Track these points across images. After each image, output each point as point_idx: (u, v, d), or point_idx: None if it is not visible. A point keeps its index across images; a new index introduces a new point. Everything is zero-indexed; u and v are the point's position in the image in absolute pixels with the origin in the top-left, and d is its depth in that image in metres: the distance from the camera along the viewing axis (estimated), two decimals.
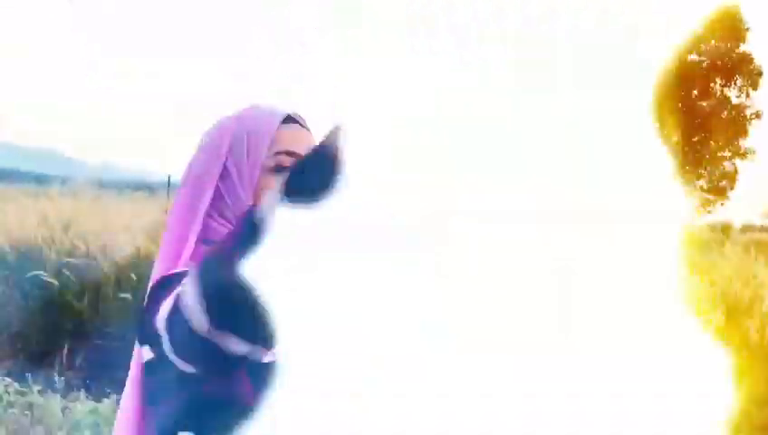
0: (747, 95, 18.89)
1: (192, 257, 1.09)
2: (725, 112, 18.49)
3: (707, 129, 18.93)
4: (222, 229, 1.10)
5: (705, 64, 18.74)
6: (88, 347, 4.58)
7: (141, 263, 4.71)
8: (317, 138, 1.13)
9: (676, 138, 19.89)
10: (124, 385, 1.10)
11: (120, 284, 4.80)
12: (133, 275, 4.70)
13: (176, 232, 1.13)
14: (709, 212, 20.24)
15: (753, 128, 18.58)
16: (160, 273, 1.07)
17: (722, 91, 19.10)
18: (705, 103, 18.79)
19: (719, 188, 19.65)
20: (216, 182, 1.12)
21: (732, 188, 19.41)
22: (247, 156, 1.12)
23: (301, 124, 1.16)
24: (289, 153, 1.11)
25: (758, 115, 18.57)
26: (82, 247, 4.90)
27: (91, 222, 5.35)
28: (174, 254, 1.10)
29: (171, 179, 10.75)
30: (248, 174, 1.12)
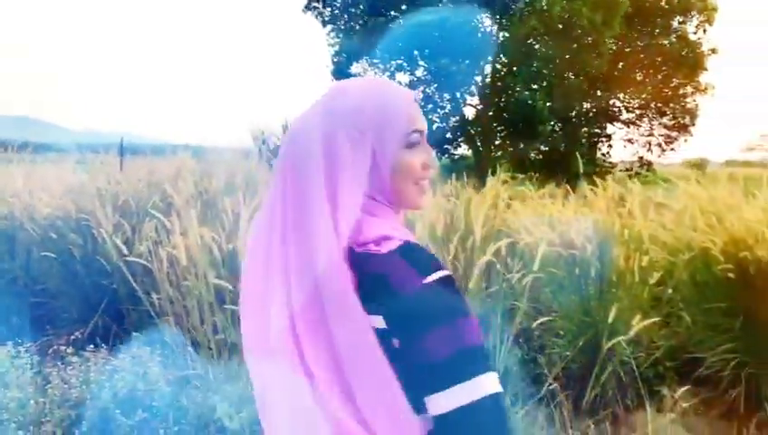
0: (704, 31, 18.98)
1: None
2: (685, 50, 18.59)
3: (669, 66, 19.06)
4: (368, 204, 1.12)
5: (663, 2, 18.78)
6: None
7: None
8: None
9: (640, 76, 20.04)
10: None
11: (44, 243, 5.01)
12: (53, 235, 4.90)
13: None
14: (673, 149, 20.54)
15: (711, 63, 18.72)
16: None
17: (680, 28, 19.17)
18: (665, 42, 18.86)
19: (682, 124, 19.88)
20: (368, 163, 1.13)
21: (693, 124, 19.65)
22: (389, 136, 1.15)
23: (416, 99, 1.22)
24: (418, 131, 1.17)
25: (714, 51, 18.70)
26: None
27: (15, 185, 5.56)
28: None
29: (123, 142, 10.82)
30: (389, 151, 1.15)
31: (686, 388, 4.20)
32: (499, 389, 1.00)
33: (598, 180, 4.84)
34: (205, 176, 5.50)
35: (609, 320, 3.57)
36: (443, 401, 0.98)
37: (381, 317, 1.01)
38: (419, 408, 1.00)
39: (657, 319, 3.96)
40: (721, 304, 4.28)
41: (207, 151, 6.96)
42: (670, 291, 4.31)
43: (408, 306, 1.01)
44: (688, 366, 4.42)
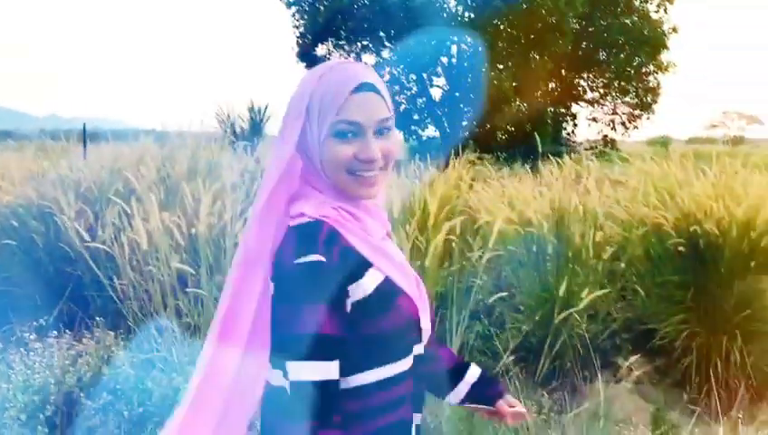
0: (665, 10, 19.25)
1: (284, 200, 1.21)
2: (647, 29, 18.84)
3: (631, 45, 19.30)
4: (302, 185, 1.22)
5: None
6: None
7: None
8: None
9: (603, 56, 20.27)
10: None
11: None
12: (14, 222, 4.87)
13: (272, 172, 1.21)
14: (636, 127, 20.87)
15: (673, 43, 19.01)
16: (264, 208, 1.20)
17: (642, 7, 19.41)
18: (627, 21, 19.08)
19: (645, 103, 20.19)
20: (297, 135, 1.19)
21: (655, 102, 19.97)
22: (318, 118, 1.18)
23: (376, 90, 1.20)
24: (349, 123, 1.17)
25: (675, 30, 18.98)
26: None
27: None
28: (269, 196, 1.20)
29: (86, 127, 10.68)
30: (317, 134, 1.19)
31: (641, 358, 4.38)
32: (316, 377, 1.09)
33: (555, 159, 4.94)
34: (167, 161, 5.49)
35: (561, 293, 3.68)
36: (271, 375, 1.14)
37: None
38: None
39: (607, 291, 4.09)
40: (673, 278, 4.43)
41: (171, 136, 6.93)
42: (623, 265, 4.45)
43: (277, 279, 1.14)
44: (644, 337, 4.58)
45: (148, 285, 3.64)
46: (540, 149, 5.69)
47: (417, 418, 1.28)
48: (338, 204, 1.21)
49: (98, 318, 3.67)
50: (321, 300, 1.11)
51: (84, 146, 8.78)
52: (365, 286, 1.17)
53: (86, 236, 4.13)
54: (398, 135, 1.25)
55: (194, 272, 3.31)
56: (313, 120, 1.19)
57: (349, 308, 1.15)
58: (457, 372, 1.48)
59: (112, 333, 3.35)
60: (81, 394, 2.91)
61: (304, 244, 1.13)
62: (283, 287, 1.13)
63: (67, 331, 3.63)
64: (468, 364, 1.50)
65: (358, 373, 1.17)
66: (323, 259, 1.12)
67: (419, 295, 1.27)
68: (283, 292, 1.13)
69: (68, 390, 2.93)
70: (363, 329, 1.16)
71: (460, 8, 18.50)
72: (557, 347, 3.86)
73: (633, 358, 4.07)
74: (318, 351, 1.10)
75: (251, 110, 12.67)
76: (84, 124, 10.90)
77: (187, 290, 3.36)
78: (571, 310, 3.72)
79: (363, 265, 1.18)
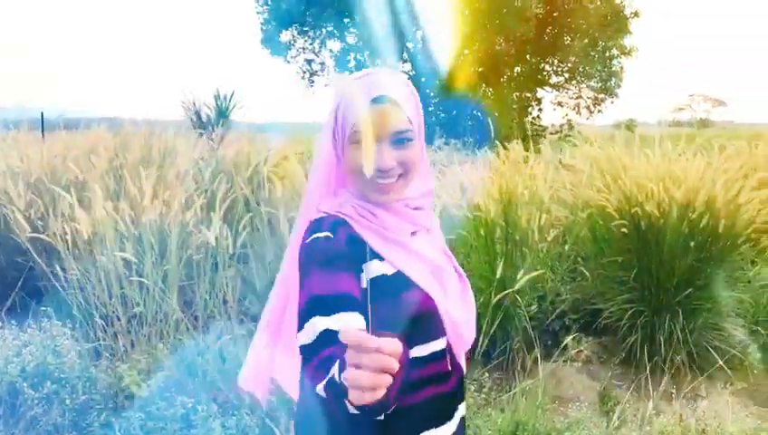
0: None
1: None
2: (609, 15, 19.00)
3: (594, 30, 19.44)
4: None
5: None
6: None
7: None
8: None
9: (567, 40, 20.40)
10: None
11: None
12: None
13: (312, 171, 1.38)
14: (600, 111, 21.10)
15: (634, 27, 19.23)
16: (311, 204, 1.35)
17: None
18: (591, 5, 19.20)
19: (609, 87, 20.40)
20: (331, 137, 1.32)
21: (619, 87, 20.20)
22: (342, 124, 1.28)
23: (391, 101, 1.26)
24: (359, 132, 1.20)
25: (636, 14, 19.19)
26: None
27: None
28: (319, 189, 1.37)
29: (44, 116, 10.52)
30: (341, 139, 1.29)
31: (589, 337, 4.50)
32: (335, 326, 1.10)
33: (503, 144, 5.02)
34: (120, 150, 5.46)
35: (498, 275, 3.77)
36: (300, 337, 1.16)
37: None
38: None
39: (542, 272, 4.17)
40: (617, 258, 4.55)
41: (125, 123, 6.86)
42: (567, 247, 4.55)
43: (298, 265, 1.26)
44: (591, 317, 4.70)
45: (94, 275, 3.64)
46: (493, 134, 5.76)
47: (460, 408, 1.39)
48: (357, 202, 1.32)
49: (44, 308, 3.66)
50: (335, 267, 1.19)
51: (42, 133, 8.66)
52: (373, 273, 1.24)
53: (27, 228, 4.11)
54: (419, 145, 1.30)
55: (136, 261, 3.32)
56: (338, 126, 1.30)
57: (365, 284, 1.21)
58: None
59: (59, 323, 3.35)
60: (25, 384, 2.91)
61: (313, 230, 1.26)
62: (300, 267, 1.23)
63: (13, 321, 3.62)
64: None
65: None
66: (331, 235, 1.24)
67: (446, 294, 1.33)
68: (301, 269, 1.23)
69: (11, 380, 2.93)
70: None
71: None
72: (494, 327, 3.94)
73: (578, 337, 4.18)
74: (337, 305, 1.14)
75: (217, 97, 12.58)
76: (42, 113, 10.75)
77: (131, 279, 3.37)
78: (508, 290, 3.81)
79: (371, 256, 1.25)
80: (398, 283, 1.25)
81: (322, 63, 20.56)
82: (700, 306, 4.33)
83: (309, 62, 20.42)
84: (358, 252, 1.23)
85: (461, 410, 1.39)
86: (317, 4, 17.30)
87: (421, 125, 1.34)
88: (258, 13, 19.49)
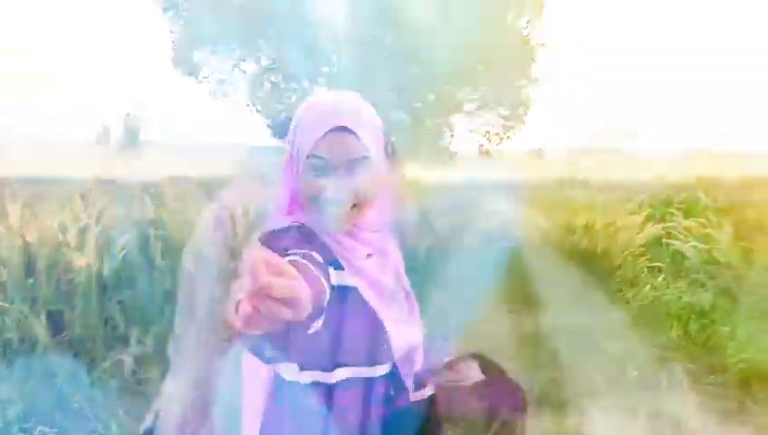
0: (534, 26, 20.22)
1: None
2: (517, 45, 19.70)
3: (505, 59, 20.11)
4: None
5: None
6: None
7: None
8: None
9: (480, 68, 20.99)
10: None
11: None
12: None
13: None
14: (509, 138, 21.75)
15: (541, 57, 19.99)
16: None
17: (513, 23, 20.27)
18: (499, 38, 19.84)
19: (517, 115, 21.09)
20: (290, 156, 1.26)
21: (526, 114, 20.91)
22: (298, 150, 1.25)
23: (350, 131, 1.22)
24: (318, 158, 1.20)
25: (543, 45, 19.99)
26: None
27: None
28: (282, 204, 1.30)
29: None
30: (296, 164, 1.26)
31: None
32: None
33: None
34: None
35: None
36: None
37: None
38: None
39: None
40: None
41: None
42: None
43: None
44: None
45: None
46: (396, 157, 5.83)
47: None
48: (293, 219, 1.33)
49: None
50: (309, 247, 1.15)
51: None
52: (334, 278, 1.20)
53: None
54: (378, 173, 1.26)
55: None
56: (294, 151, 1.27)
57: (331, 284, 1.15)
58: None
59: None
60: None
61: (280, 228, 1.23)
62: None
63: None
64: None
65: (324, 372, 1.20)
66: (302, 226, 1.25)
67: (394, 317, 1.31)
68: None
69: None
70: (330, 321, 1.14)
71: (341, 18, 18.63)
72: None
73: None
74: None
75: (126, 117, 12.30)
76: None
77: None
78: None
79: (335, 265, 1.20)
80: (353, 297, 1.24)
81: (234, 85, 20.34)
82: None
83: (221, 82, 20.16)
84: (327, 255, 1.21)
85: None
86: (230, 26, 17.14)
87: (380, 153, 1.30)
88: (170, 32, 19.13)
